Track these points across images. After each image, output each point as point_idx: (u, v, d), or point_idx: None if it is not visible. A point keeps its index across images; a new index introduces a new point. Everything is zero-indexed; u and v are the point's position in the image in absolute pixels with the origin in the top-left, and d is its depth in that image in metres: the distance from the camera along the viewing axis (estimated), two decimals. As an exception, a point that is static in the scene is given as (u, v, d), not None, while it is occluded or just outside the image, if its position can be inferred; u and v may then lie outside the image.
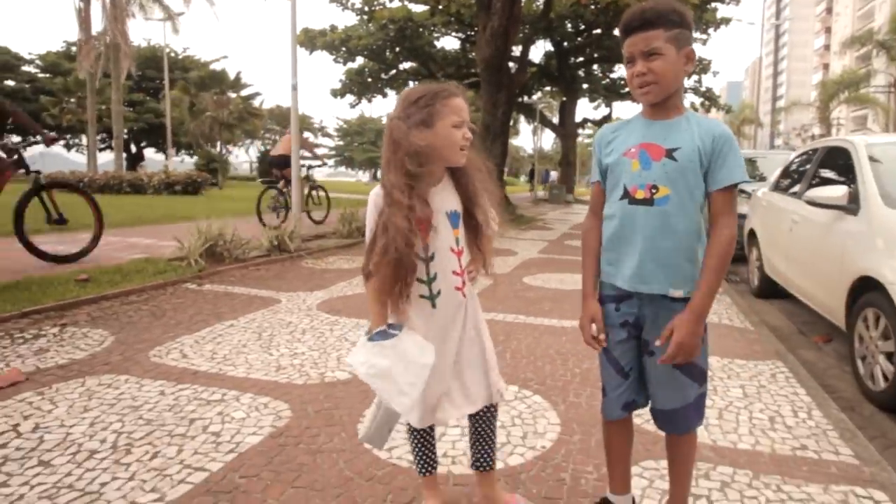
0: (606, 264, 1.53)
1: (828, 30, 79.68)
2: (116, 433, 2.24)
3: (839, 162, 4.26)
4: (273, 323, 3.88)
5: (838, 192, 3.69)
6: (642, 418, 1.91)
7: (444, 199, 1.51)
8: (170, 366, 3.01)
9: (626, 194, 1.45)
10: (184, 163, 42.22)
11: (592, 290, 1.57)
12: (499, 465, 2.03)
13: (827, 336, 4.01)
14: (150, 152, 45.51)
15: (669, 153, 1.41)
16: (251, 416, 2.41)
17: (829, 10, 79.99)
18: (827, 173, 4.53)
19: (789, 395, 2.71)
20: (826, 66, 73.21)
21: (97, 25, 22.71)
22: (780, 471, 2.01)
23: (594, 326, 1.54)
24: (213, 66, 43.17)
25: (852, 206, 3.53)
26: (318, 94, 78.28)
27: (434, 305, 1.50)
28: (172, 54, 39.18)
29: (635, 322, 1.49)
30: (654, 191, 1.41)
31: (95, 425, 2.31)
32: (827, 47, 77.29)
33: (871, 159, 3.73)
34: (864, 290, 3.11)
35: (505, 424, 2.35)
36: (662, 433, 1.61)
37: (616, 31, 19.89)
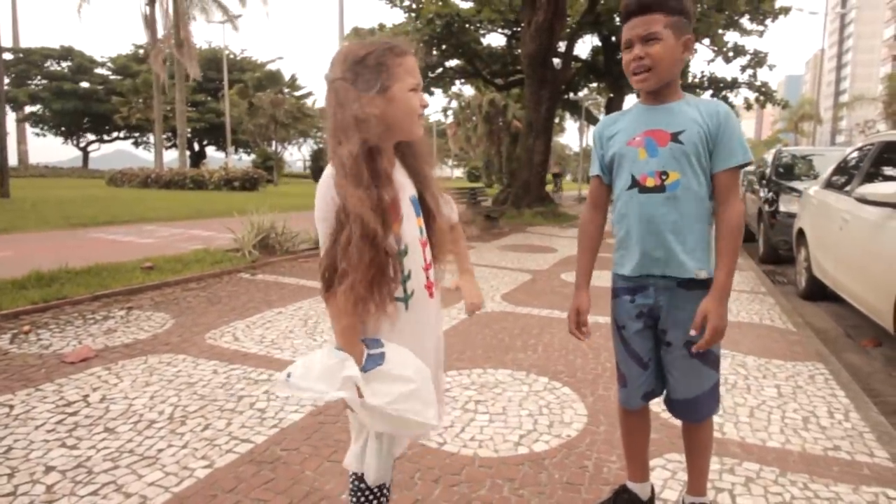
0: (619, 256, 1.51)
1: (899, 19, 74.26)
2: (173, 406, 2.43)
3: (895, 157, 4.04)
4: (318, 311, 4.04)
5: (891, 188, 3.51)
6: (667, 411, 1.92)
7: (404, 182, 1.25)
8: (223, 347, 3.20)
9: (635, 183, 1.43)
10: (241, 160, 43.93)
11: (585, 281, 1.58)
12: (522, 450, 2.09)
13: (875, 340, 3.82)
14: (211, 150, 47.63)
15: (675, 137, 1.39)
16: (293, 396, 2.54)
17: (901, -2, 74.49)
18: (882, 169, 4.30)
19: (826, 396, 2.63)
20: (895, 58, 68.39)
21: (162, 29, 23.87)
22: (809, 469, 1.97)
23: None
24: (268, 67, 44.67)
25: (906, 204, 3.35)
26: (367, 92, 78.89)
27: (407, 307, 1.23)
28: (231, 56, 40.72)
29: (650, 312, 1.48)
30: (664, 177, 1.40)
31: (155, 398, 2.50)
32: (897, 38, 72.11)
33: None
34: (915, 291, 2.96)
35: (532, 413, 2.40)
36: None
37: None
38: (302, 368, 1.17)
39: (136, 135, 45.79)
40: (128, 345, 3.23)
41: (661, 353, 1.51)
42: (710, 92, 22.37)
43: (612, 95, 25.41)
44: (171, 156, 34.51)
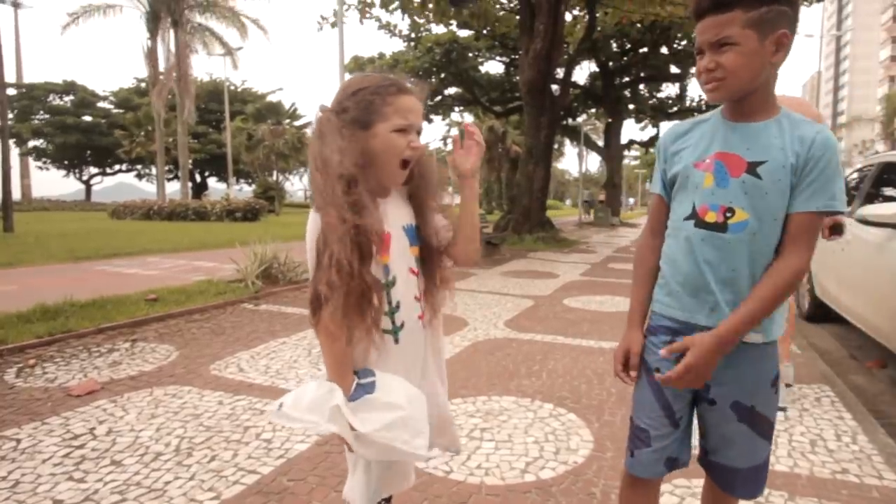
0: (664, 294, 1.27)
1: (894, 40, 75.75)
2: (179, 438, 2.45)
3: (895, 178, 4.12)
4: (321, 340, 4.07)
5: (892, 209, 3.58)
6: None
7: (398, 212, 1.24)
8: (228, 378, 3.24)
9: (694, 214, 1.19)
10: (243, 191, 44.39)
11: (639, 317, 1.31)
12: (529, 477, 2.10)
13: (881, 361, 3.83)
14: (212, 181, 48.16)
15: (752, 168, 1.13)
16: (285, 430, 2.57)
17: (895, 19, 76.12)
18: (882, 190, 4.37)
19: (833, 419, 2.64)
20: (892, 79, 69.50)
21: (163, 62, 24.48)
22: (818, 493, 1.98)
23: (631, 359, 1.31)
24: (269, 98, 45.51)
25: (906, 224, 3.41)
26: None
27: (397, 340, 1.21)
28: (232, 87, 41.55)
29: None
30: (728, 214, 1.15)
31: (161, 430, 2.53)
32: (894, 58, 73.41)
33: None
34: (918, 311, 3.00)
35: (538, 440, 2.42)
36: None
37: (664, 50, 19.66)
38: (293, 398, 1.18)
39: (139, 167, 46.39)
40: (133, 377, 3.26)
41: (700, 410, 1.26)
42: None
43: (610, 121, 25.95)
44: (173, 187, 34.97)
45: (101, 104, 45.50)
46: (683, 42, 18.57)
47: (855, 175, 5.26)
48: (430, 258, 1.27)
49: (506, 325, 4.56)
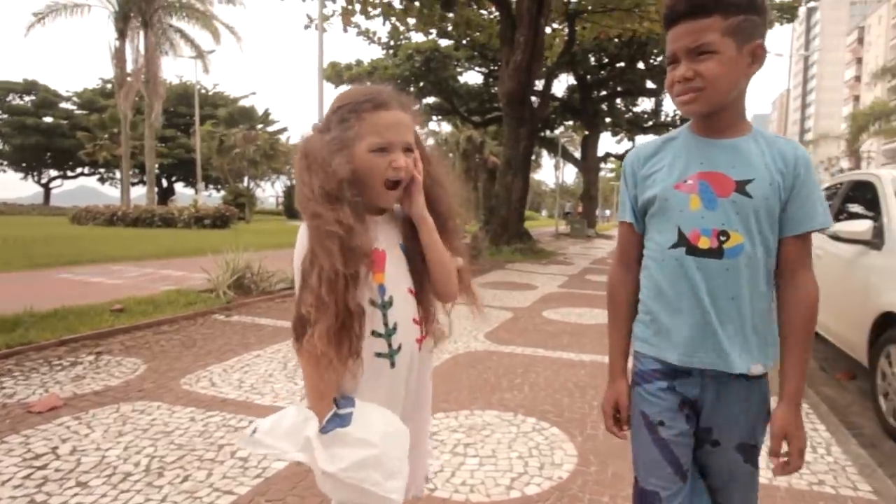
0: (651, 333, 1.18)
1: (859, 60, 79.29)
2: (149, 457, 2.38)
3: (865, 196, 4.28)
4: (297, 353, 4.02)
5: (862, 226, 3.72)
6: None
7: (395, 230, 1.21)
8: (200, 393, 3.16)
9: (684, 241, 1.11)
10: (212, 197, 43.72)
11: (622, 364, 1.24)
12: (515, 494, 2.10)
13: (850, 373, 3.96)
14: (179, 186, 47.29)
15: (741, 187, 1.08)
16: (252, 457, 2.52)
17: (860, 41, 79.76)
18: (852, 207, 4.55)
19: (808, 431, 2.72)
20: (857, 98, 72.60)
21: (131, 64, 24.04)
22: (798, 506, 2.03)
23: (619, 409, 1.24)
24: (241, 103, 45.04)
25: (876, 240, 3.55)
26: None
27: (393, 364, 1.16)
28: (203, 91, 40.97)
29: (693, 404, 1.15)
30: (723, 238, 1.08)
31: (129, 449, 2.45)
32: (858, 78, 76.76)
33: (898, 193, 3.75)
34: (888, 326, 3.11)
35: (522, 455, 2.42)
36: None
37: (640, 65, 20.18)
38: (271, 423, 1.13)
39: (102, 170, 45.27)
40: (98, 392, 3.15)
41: (701, 455, 1.18)
42: (682, 129, 23.23)
43: (587, 133, 26.43)
44: (137, 192, 34.18)
45: (63, 105, 44.34)
46: (659, 58, 19.10)
47: (825, 193, 5.46)
48: (423, 276, 1.21)
49: (486, 338, 4.57)
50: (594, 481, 2.19)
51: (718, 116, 1.10)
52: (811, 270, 1.12)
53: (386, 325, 1.14)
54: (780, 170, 1.09)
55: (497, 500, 2.06)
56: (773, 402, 1.17)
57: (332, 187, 1.07)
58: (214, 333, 4.58)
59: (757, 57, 1.07)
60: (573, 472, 2.28)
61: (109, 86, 40.03)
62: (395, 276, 1.17)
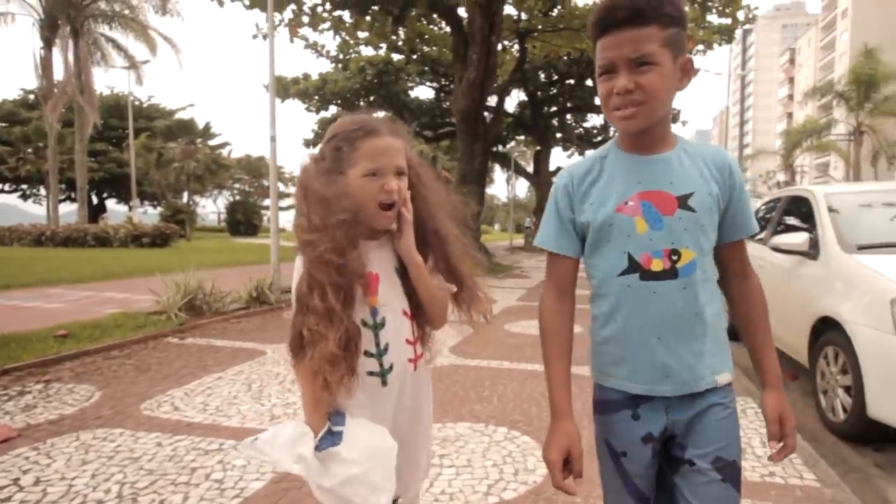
0: (608, 363, 1.15)
1: (791, 80, 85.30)
2: (119, 483, 2.38)
3: (801, 210, 4.71)
4: (261, 374, 4.03)
5: (799, 238, 4.11)
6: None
7: (389, 255, 1.27)
8: (163, 418, 3.14)
9: (635, 267, 1.08)
10: (147, 214, 42.10)
11: (568, 403, 1.15)
12: (493, 499, 2.24)
13: (792, 373, 4.34)
14: (111, 203, 45.31)
15: (684, 202, 1.07)
16: (252, 464, 2.56)
17: (791, 62, 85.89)
18: (790, 220, 4.99)
19: (759, 428, 2.99)
20: (790, 115, 77.94)
21: (57, 74, 23.11)
22: (751, 496, 2.26)
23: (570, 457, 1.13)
24: (179, 115, 43.82)
25: (812, 251, 3.93)
26: (289, 143, 79.49)
27: (385, 383, 1.24)
28: (136, 102, 39.65)
29: (662, 432, 1.12)
30: (674, 258, 1.07)
31: (97, 477, 2.44)
32: (790, 97, 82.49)
33: (830, 208, 4.17)
34: (824, 329, 3.46)
35: (497, 463, 2.57)
36: None
37: (588, 82, 21.01)
38: (271, 434, 1.22)
39: (24, 187, 42.81)
40: (53, 421, 3.09)
41: (677, 479, 1.13)
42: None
43: (538, 148, 27.25)
44: (64, 209, 32.55)
45: (-21, 116, 41.80)
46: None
47: (765, 207, 5.94)
48: (418, 302, 1.28)
49: (451, 352, 4.72)
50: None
51: (651, 132, 1.09)
52: (750, 266, 1.21)
53: (377, 345, 1.22)
54: (716, 178, 1.10)
55: (476, 505, 2.19)
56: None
57: (327, 217, 1.15)
58: (169, 357, 4.52)
59: (686, 72, 1.07)
60: (546, 476, 2.43)
61: (32, 97, 38.15)
62: (389, 298, 1.24)
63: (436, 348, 1.37)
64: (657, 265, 1.07)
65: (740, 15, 14.87)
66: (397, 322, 1.25)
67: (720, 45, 17.98)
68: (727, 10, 13.82)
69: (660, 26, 1.01)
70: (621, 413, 1.13)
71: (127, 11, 23.14)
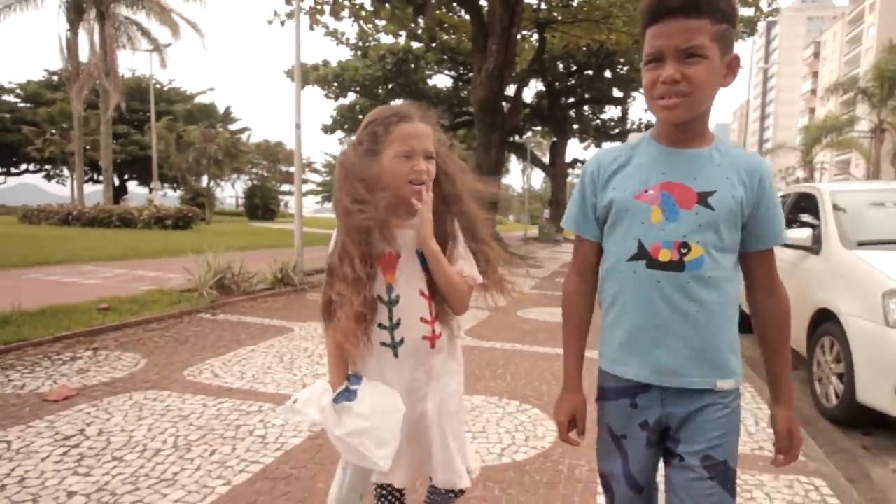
0: (611, 349, 1.19)
1: (815, 74, 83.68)
2: (174, 436, 2.68)
3: (808, 206, 4.88)
4: (291, 349, 4.33)
5: (804, 233, 4.30)
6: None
7: (414, 237, 1.36)
8: (205, 383, 3.45)
9: (644, 254, 1.11)
10: (167, 196, 42.79)
11: (578, 376, 1.26)
12: (506, 459, 2.51)
13: (793, 364, 4.54)
14: (132, 185, 46.11)
15: (703, 199, 1.08)
16: (288, 424, 2.85)
17: (816, 55, 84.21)
18: (798, 216, 5.16)
19: (753, 409, 3.22)
20: (812, 111, 76.62)
21: (82, 56, 23.57)
22: (741, 466, 2.47)
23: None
24: (200, 99, 44.34)
25: (815, 246, 4.12)
26: (307, 129, 79.82)
27: (396, 355, 1.37)
28: (158, 86, 40.16)
29: (657, 421, 1.16)
30: (683, 251, 1.08)
31: (153, 430, 2.74)
32: (814, 91, 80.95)
33: (835, 206, 4.34)
34: (822, 320, 3.66)
35: (510, 430, 2.83)
36: None
37: (607, 74, 20.97)
38: (307, 394, 1.38)
39: (48, 167, 43.71)
40: (107, 383, 3.41)
41: (667, 471, 1.19)
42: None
43: (555, 139, 27.30)
44: (87, 190, 33.26)
45: (6, 97, 42.64)
46: (626, 68, 20.03)
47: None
48: (435, 287, 1.38)
49: (467, 334, 4.98)
50: (573, 450, 2.61)
51: (688, 126, 1.09)
52: (779, 277, 1.18)
53: (391, 319, 1.35)
54: (743, 181, 1.10)
55: (492, 465, 2.46)
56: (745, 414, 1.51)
57: (367, 193, 1.29)
58: (204, 331, 4.83)
59: (732, 69, 1.08)
60: (554, 442, 2.70)
61: (56, 78, 38.80)
62: (406, 278, 1.36)
63: (456, 326, 1.46)
64: (665, 255, 1.09)
65: (763, 5, 14.79)
66: (412, 300, 1.36)
67: (743, 39, 17.83)
68: (750, 0, 13.75)
69: (712, 20, 1.01)
70: (620, 401, 1.19)
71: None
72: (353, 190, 1.30)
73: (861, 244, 3.78)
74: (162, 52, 26.45)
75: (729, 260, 1.12)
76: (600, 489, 2.23)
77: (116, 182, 43.38)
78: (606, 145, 29.16)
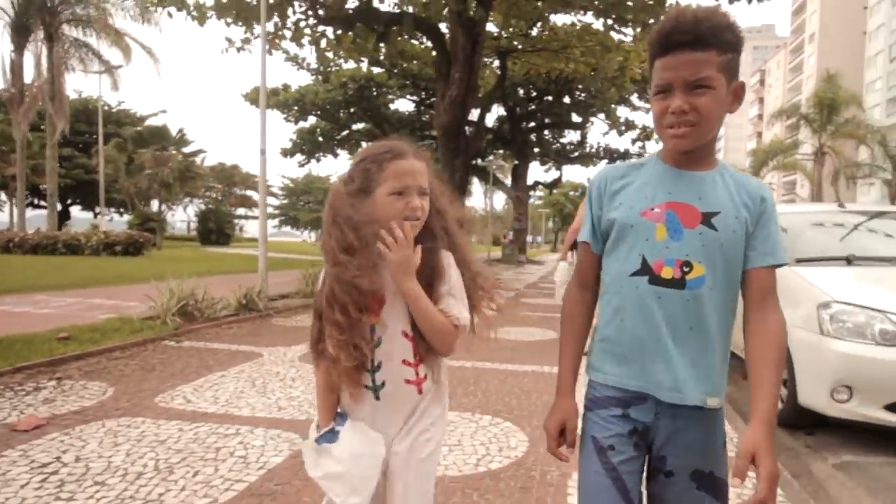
0: (606, 361, 1.22)
1: (761, 100, 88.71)
2: (154, 460, 2.75)
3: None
4: (262, 373, 4.41)
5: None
6: None
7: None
8: (179, 409, 3.51)
9: (647, 270, 1.15)
10: (113, 221, 41.54)
11: (572, 382, 1.27)
12: (482, 469, 2.69)
13: (745, 373, 4.89)
14: (75, 210, 44.54)
15: (707, 219, 1.13)
16: (269, 444, 2.96)
17: (762, 82, 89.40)
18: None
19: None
20: (760, 134, 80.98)
21: (27, 77, 23.02)
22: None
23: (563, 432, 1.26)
24: (151, 121, 43.52)
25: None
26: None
27: (377, 397, 1.34)
28: (106, 108, 39.25)
29: (644, 431, 1.18)
30: (686, 269, 1.13)
31: (131, 455, 2.80)
32: (760, 116, 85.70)
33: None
34: (768, 332, 4.01)
35: (484, 442, 3.02)
36: None
37: (566, 99, 21.86)
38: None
39: (-18, 192, 41.81)
40: (76, 412, 3.42)
41: (654, 486, 1.21)
42: (605, 161, 25.45)
43: (517, 163, 28.04)
44: (26, 215, 31.93)
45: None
46: (584, 94, 20.92)
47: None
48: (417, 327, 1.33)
49: (436, 356, 5.15)
50: (544, 457, 2.82)
51: (696, 151, 1.15)
52: (777, 299, 1.17)
53: (372, 361, 1.32)
54: (746, 203, 1.15)
55: (469, 473, 2.64)
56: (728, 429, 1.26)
57: (356, 240, 1.26)
58: (171, 358, 4.85)
59: (738, 96, 1.13)
60: (526, 451, 2.90)
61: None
62: (389, 320, 1.32)
63: (442, 369, 1.40)
64: (667, 273, 1.13)
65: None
66: (395, 342, 1.32)
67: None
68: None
69: (718, 51, 1.07)
70: (613, 410, 1.19)
71: (108, 18, 23.18)
72: (343, 237, 1.27)
73: (799, 261, 4.17)
74: (114, 75, 26.03)
75: (730, 281, 1.15)
76: (570, 491, 2.45)
77: (59, 207, 41.91)
78: (567, 168, 30.26)
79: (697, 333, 1.13)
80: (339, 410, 1.41)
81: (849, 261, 4.11)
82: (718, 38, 1.07)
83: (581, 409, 1.27)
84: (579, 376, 1.30)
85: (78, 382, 4.05)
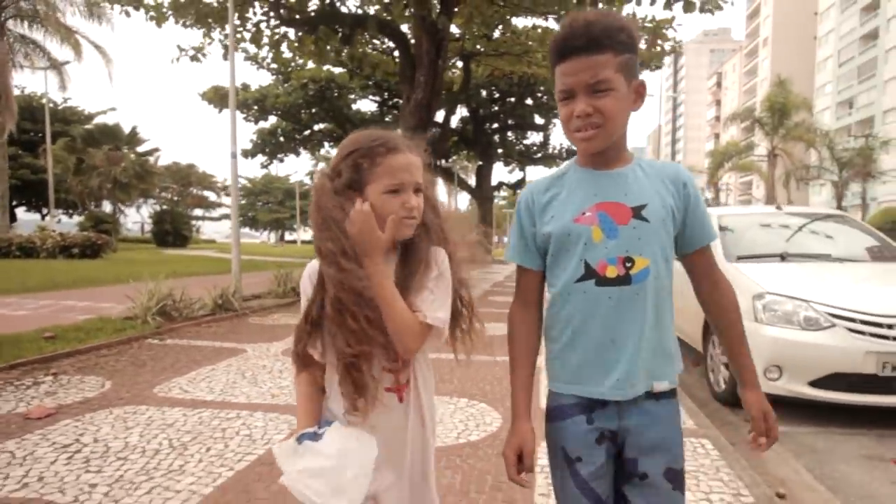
0: (563, 370, 1.25)
1: (718, 102, 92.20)
2: (167, 439, 3.10)
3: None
4: (250, 366, 4.76)
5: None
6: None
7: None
8: (178, 398, 3.84)
9: (591, 273, 1.18)
10: (61, 223, 40.32)
11: (527, 405, 1.28)
12: (462, 441, 3.14)
13: (696, 361, 5.50)
14: (21, 212, 43.01)
15: (638, 212, 1.18)
16: (269, 424, 3.35)
17: (718, 85, 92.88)
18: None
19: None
20: (717, 136, 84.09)
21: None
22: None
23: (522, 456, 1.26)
24: (101, 119, 42.42)
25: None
26: (221, 151, 77.51)
27: (356, 408, 1.24)
28: (51, 105, 38.14)
29: (612, 436, 1.21)
30: (628, 265, 1.17)
31: (145, 436, 3.15)
32: (718, 118, 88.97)
33: (721, 227, 5.38)
34: (711, 321, 4.60)
35: (463, 420, 3.47)
36: None
37: (529, 101, 22.56)
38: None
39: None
40: (81, 402, 3.72)
41: (630, 491, 1.22)
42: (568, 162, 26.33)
43: (480, 163, 28.69)
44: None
45: None
46: (546, 96, 21.66)
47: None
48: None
49: (413, 349, 5.58)
50: (516, 429, 3.30)
51: (608, 150, 1.20)
52: (720, 271, 1.30)
53: None
54: (670, 191, 1.21)
55: (451, 444, 3.08)
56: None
57: (348, 248, 1.19)
58: (158, 354, 5.14)
59: (640, 94, 1.20)
60: (501, 426, 3.37)
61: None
62: None
63: (426, 373, 1.39)
64: (612, 272, 1.17)
65: (667, 46, 16.66)
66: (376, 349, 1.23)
67: (652, 70, 19.86)
68: (655, 47, 15.49)
69: (614, 53, 1.12)
70: (575, 418, 1.21)
71: (57, 14, 22.71)
72: (339, 242, 1.19)
73: (740, 258, 4.78)
74: (62, 72, 25.45)
75: (670, 265, 1.22)
76: (541, 456, 2.92)
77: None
78: (530, 169, 31.08)
79: (653, 325, 1.18)
80: (324, 420, 1.30)
81: (783, 257, 4.75)
82: (613, 39, 1.12)
83: (544, 420, 1.29)
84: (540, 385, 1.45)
85: (74, 377, 4.32)
